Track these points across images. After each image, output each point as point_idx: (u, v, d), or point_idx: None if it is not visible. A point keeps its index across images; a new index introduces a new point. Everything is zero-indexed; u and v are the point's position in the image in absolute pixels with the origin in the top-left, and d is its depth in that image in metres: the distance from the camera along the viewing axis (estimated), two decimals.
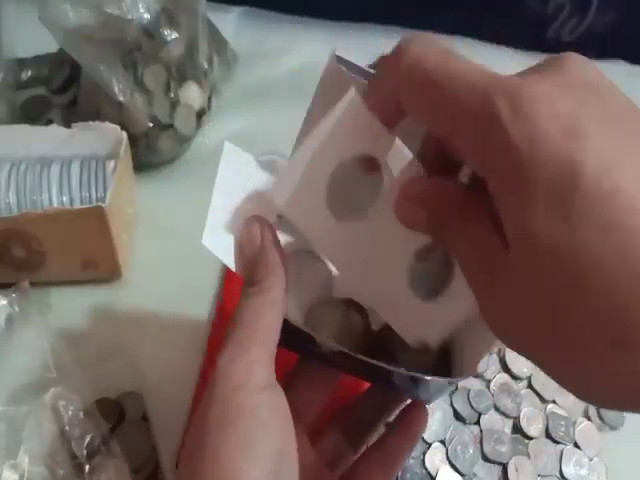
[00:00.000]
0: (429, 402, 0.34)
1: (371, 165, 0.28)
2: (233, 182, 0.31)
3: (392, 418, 0.36)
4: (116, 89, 0.50)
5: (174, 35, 0.50)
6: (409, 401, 0.35)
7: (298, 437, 0.29)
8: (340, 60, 0.30)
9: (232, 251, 0.29)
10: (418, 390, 0.32)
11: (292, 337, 0.30)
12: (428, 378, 0.29)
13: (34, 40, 0.54)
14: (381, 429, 0.36)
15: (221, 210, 0.30)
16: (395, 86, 0.24)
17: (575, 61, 0.22)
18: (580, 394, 0.21)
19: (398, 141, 0.27)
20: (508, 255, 0.21)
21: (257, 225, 0.29)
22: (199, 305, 0.48)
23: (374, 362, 0.29)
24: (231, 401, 0.25)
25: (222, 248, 0.29)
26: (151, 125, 0.52)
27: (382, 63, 0.25)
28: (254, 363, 0.26)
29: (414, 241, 0.29)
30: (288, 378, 0.34)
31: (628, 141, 0.20)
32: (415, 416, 0.34)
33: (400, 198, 0.26)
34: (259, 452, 0.24)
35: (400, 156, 0.27)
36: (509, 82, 0.21)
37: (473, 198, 0.24)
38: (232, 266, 0.29)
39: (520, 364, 0.47)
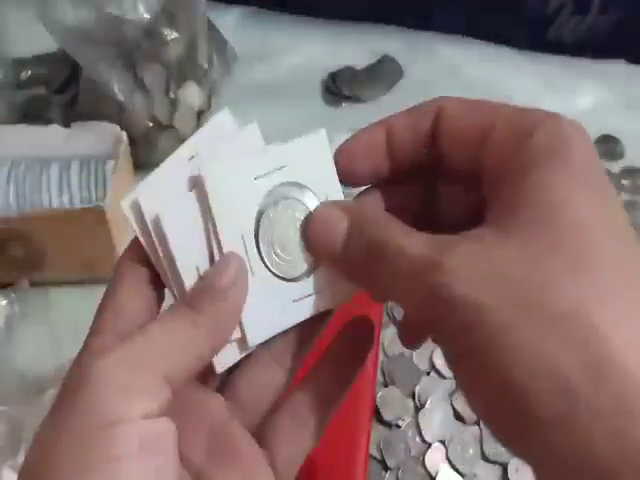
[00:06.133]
0: None
1: None
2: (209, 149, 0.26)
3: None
4: (116, 89, 0.50)
5: (174, 35, 0.50)
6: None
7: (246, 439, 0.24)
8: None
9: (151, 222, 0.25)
10: None
11: None
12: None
13: (34, 39, 0.54)
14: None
15: (172, 175, 0.25)
16: None
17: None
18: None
19: None
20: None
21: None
22: None
23: None
24: (94, 439, 0.19)
25: (149, 212, 0.24)
26: (151, 125, 0.52)
27: None
28: (136, 391, 0.20)
29: None
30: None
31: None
32: (361, 333, 0.26)
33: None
34: None
35: None
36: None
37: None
38: (140, 236, 0.25)
39: None
